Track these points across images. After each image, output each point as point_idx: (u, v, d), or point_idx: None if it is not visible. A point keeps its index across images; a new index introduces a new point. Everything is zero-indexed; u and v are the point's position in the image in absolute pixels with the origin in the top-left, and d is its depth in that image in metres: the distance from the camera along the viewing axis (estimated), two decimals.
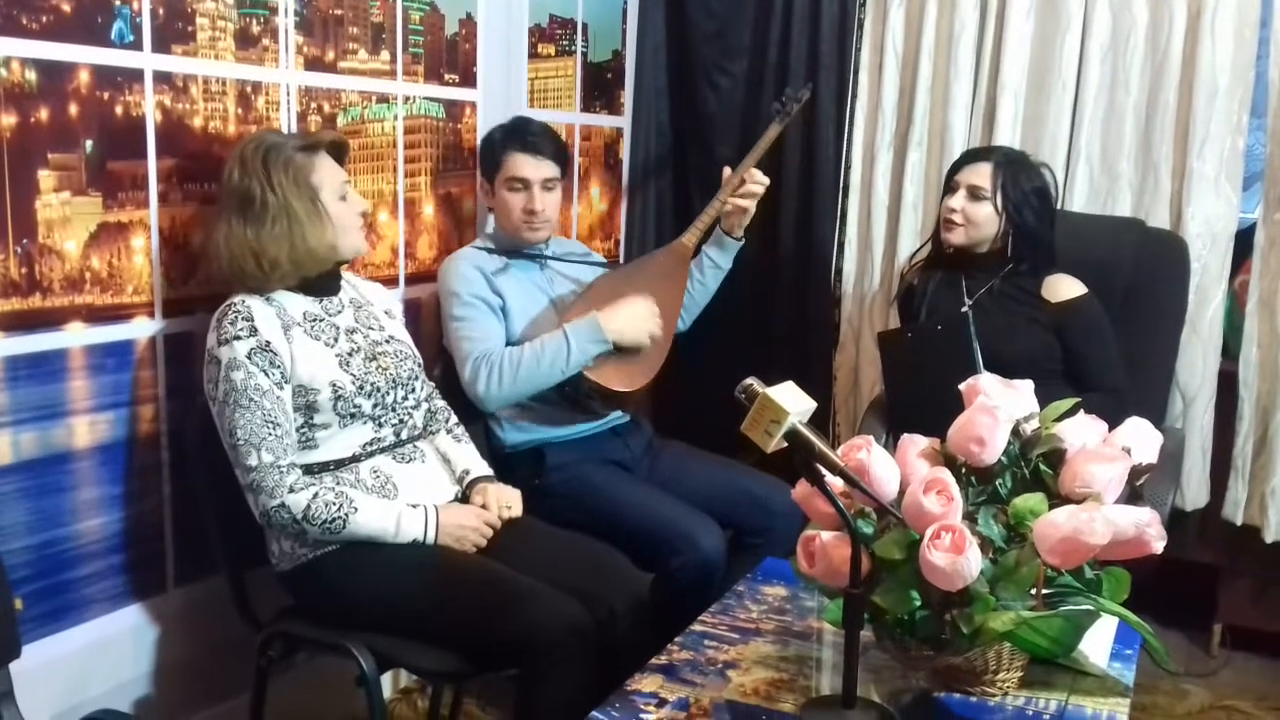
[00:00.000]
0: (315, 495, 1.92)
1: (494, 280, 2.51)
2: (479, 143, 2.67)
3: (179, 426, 2.11)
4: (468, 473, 2.21)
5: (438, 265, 2.67)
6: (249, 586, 2.09)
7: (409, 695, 2.67)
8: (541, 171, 2.52)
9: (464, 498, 2.18)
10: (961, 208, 2.55)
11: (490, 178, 2.58)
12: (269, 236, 1.95)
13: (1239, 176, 2.89)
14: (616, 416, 2.61)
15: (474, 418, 2.46)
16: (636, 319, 2.48)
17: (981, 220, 2.54)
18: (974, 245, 2.58)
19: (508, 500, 2.17)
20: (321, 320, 2.04)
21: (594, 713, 1.55)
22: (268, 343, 1.93)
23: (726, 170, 2.76)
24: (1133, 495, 1.60)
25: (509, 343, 2.48)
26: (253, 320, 1.94)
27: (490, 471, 2.25)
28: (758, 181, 2.71)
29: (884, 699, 1.60)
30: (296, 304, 2.03)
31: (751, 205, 2.73)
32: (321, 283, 2.07)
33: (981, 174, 2.53)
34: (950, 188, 2.59)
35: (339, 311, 2.09)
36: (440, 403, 2.30)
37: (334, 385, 1.98)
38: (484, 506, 2.13)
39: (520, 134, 2.55)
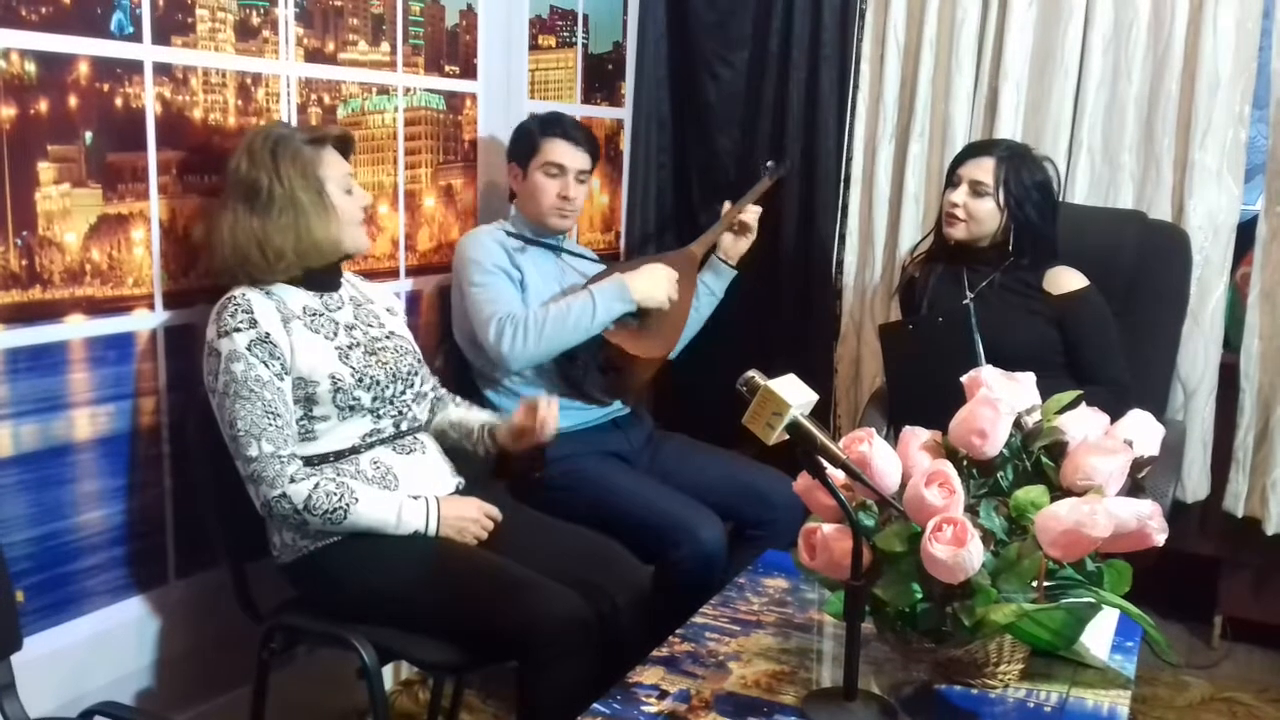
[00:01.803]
0: (316, 486, 1.92)
1: (514, 256, 2.52)
2: (515, 130, 2.66)
3: (180, 419, 2.11)
4: (486, 424, 2.24)
5: (438, 257, 2.68)
6: (250, 578, 2.09)
7: (410, 687, 2.68)
8: (578, 161, 2.57)
9: (496, 450, 2.20)
10: (963, 203, 2.54)
11: (524, 162, 2.59)
12: (275, 227, 1.95)
13: (1241, 168, 2.88)
14: (617, 408, 2.61)
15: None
16: (658, 280, 2.53)
17: (983, 216, 2.53)
18: (975, 240, 2.58)
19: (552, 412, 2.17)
20: (321, 315, 2.04)
21: (595, 705, 1.55)
22: (267, 334, 1.93)
23: (727, 205, 2.82)
24: (1134, 488, 1.59)
25: None
26: (252, 313, 1.93)
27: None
28: (749, 220, 2.78)
29: (885, 691, 1.60)
30: (296, 298, 2.02)
31: (750, 236, 2.79)
32: (322, 278, 2.07)
33: (984, 169, 2.53)
34: (952, 182, 2.58)
35: (339, 308, 2.09)
36: (443, 391, 2.32)
37: (333, 378, 1.98)
38: (535, 411, 2.13)
39: (561, 123, 2.60)
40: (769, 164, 3.05)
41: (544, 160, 2.56)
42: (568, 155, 2.56)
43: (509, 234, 2.59)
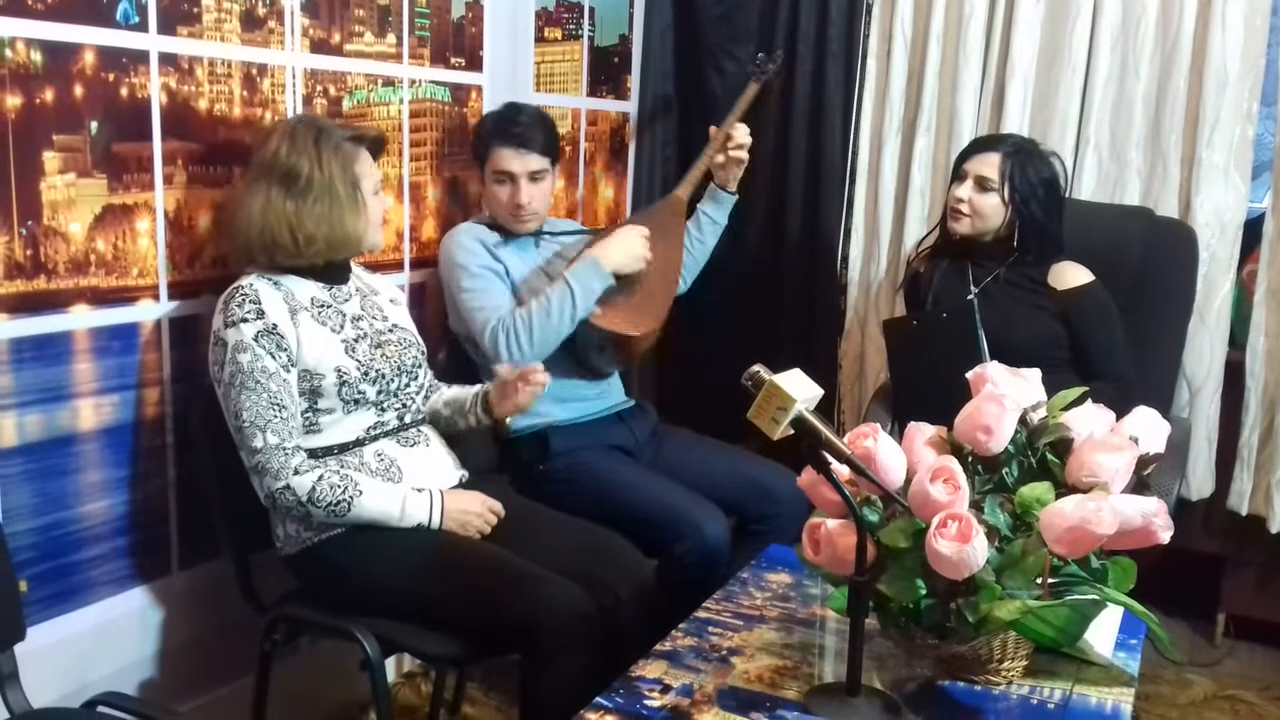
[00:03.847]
0: (320, 478, 1.92)
1: (495, 251, 2.51)
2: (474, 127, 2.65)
3: (184, 409, 2.11)
4: (480, 391, 2.23)
5: None
6: (253, 570, 2.09)
7: (413, 679, 2.68)
8: (528, 165, 2.49)
9: (485, 399, 2.20)
10: (968, 198, 2.53)
11: (480, 165, 2.57)
12: (309, 213, 1.95)
13: (1248, 165, 2.87)
14: (622, 402, 2.61)
15: None
16: (628, 244, 2.50)
17: (988, 211, 2.53)
18: (980, 235, 2.57)
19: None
20: (329, 307, 2.04)
21: (598, 698, 1.54)
22: (274, 325, 1.93)
23: (712, 129, 2.78)
24: (1139, 485, 1.59)
25: None
26: (260, 303, 1.93)
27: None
28: (741, 139, 2.75)
29: (888, 687, 1.59)
30: (305, 289, 2.02)
31: (743, 157, 2.76)
32: (334, 271, 2.07)
33: (990, 164, 2.52)
34: (959, 176, 2.57)
35: (346, 299, 2.09)
36: (437, 382, 2.31)
37: (339, 371, 1.98)
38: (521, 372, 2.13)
39: (507, 125, 2.50)
40: (754, 64, 2.99)
41: (493, 169, 2.51)
42: (515, 162, 2.47)
43: (488, 227, 2.57)
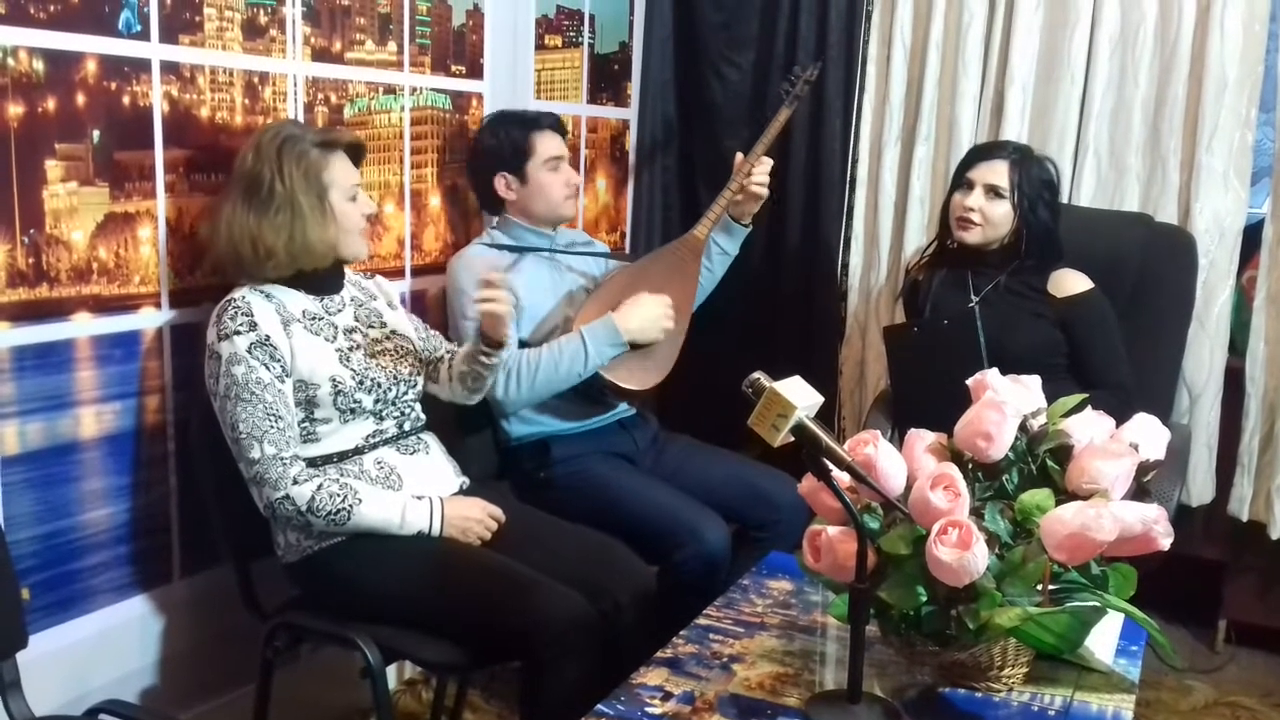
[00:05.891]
0: (319, 487, 1.92)
1: (506, 278, 2.50)
2: (487, 143, 2.60)
3: (185, 417, 2.11)
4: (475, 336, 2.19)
5: (444, 257, 2.68)
6: (255, 577, 2.09)
7: (413, 687, 2.68)
8: (564, 148, 2.61)
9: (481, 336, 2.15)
10: (980, 207, 2.52)
11: (518, 167, 2.55)
12: (269, 225, 1.94)
13: (1248, 171, 2.88)
14: (623, 410, 2.61)
15: (480, 410, 2.45)
16: (651, 318, 2.48)
17: (999, 219, 2.52)
18: (988, 243, 2.56)
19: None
20: (321, 318, 2.04)
21: (599, 706, 1.54)
22: (268, 337, 1.93)
23: (739, 156, 2.73)
24: (1139, 491, 1.59)
25: (520, 340, 2.47)
26: (252, 315, 1.93)
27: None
28: (761, 176, 2.69)
29: (889, 694, 1.59)
30: (296, 301, 2.02)
31: (764, 192, 2.72)
32: (323, 281, 2.07)
33: (999, 172, 2.51)
34: (965, 185, 2.55)
35: (339, 310, 2.09)
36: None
37: (334, 380, 1.98)
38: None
39: (536, 118, 2.60)
40: (785, 83, 2.88)
41: (545, 157, 2.55)
42: (558, 145, 2.59)
43: (499, 248, 2.56)
